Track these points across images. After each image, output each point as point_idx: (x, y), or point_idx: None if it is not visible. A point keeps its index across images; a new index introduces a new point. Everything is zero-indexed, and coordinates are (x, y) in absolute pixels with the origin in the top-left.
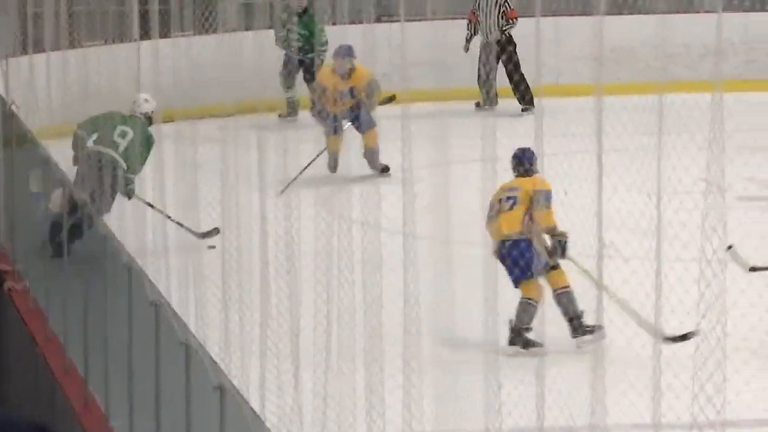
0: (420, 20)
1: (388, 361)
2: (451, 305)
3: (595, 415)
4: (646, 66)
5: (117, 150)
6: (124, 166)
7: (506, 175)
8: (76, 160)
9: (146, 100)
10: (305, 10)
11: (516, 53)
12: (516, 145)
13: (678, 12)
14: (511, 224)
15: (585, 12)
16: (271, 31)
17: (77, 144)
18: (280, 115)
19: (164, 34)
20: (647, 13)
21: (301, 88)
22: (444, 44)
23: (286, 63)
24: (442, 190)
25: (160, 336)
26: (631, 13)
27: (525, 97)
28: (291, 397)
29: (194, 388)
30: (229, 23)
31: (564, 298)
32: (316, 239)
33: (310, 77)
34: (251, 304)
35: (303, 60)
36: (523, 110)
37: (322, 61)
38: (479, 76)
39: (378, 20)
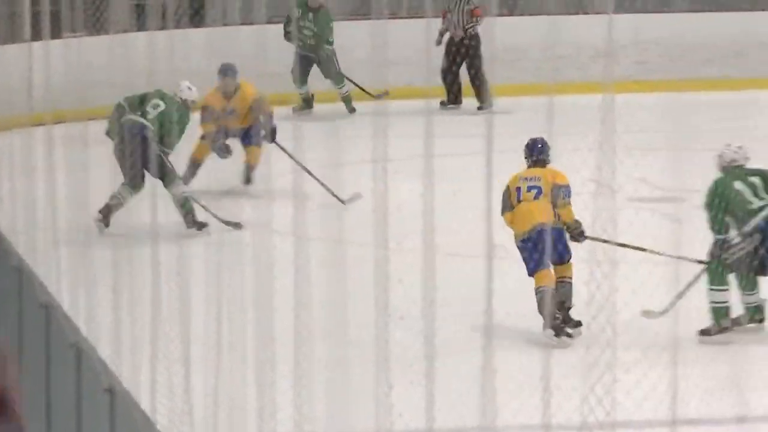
0: None
1: (279, 362)
2: (342, 306)
3: (485, 416)
4: (537, 67)
5: (146, 118)
6: (152, 127)
7: (398, 176)
8: (110, 132)
9: (189, 88)
10: (320, 6)
11: (480, 52)
12: (407, 146)
13: (568, 13)
14: (545, 214)
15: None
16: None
17: (114, 114)
18: (294, 110)
19: (56, 34)
20: (538, 14)
21: (319, 83)
22: (336, 45)
23: (299, 59)
24: (335, 191)
25: (50, 338)
26: (521, 15)
27: (482, 96)
28: (182, 399)
29: (85, 390)
30: (120, 24)
31: (566, 288)
32: (207, 239)
33: (326, 73)
34: (142, 306)
35: (310, 56)
36: (479, 108)
37: (328, 57)
38: (443, 73)
39: (270, 21)
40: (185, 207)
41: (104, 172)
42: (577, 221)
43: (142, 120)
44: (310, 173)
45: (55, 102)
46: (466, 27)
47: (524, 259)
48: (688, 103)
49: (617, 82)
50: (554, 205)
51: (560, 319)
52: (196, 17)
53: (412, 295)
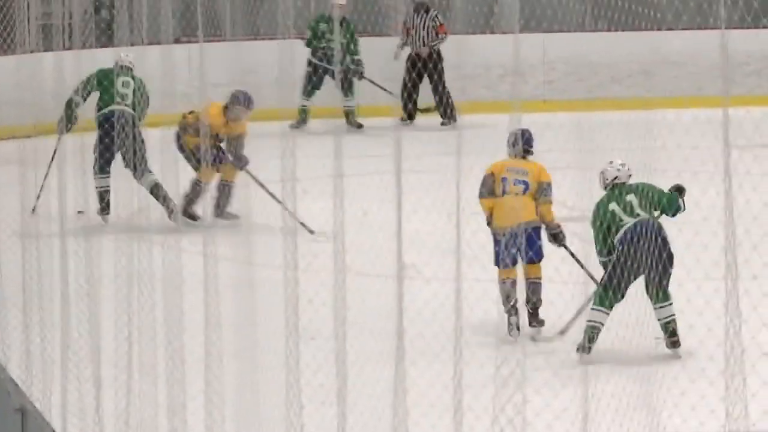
0: (219, 41)
1: (190, 382)
2: (252, 326)
3: None
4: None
5: (125, 102)
6: (134, 113)
7: (308, 196)
8: (62, 126)
9: (126, 55)
10: (343, 18)
11: (442, 68)
12: (314, 166)
13: (475, 33)
14: (529, 211)
15: (382, 33)
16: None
17: (70, 108)
18: (291, 126)
19: None
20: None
21: (330, 98)
22: (245, 65)
23: (314, 72)
24: (244, 211)
25: None
26: None
27: (447, 111)
28: (93, 420)
29: None
30: (28, 44)
31: (534, 287)
32: (117, 260)
33: (345, 85)
34: (52, 326)
35: (330, 69)
36: (442, 124)
37: (357, 72)
38: (403, 89)
39: (177, 41)
40: (159, 194)
41: (12, 190)
42: (558, 224)
43: (129, 109)
44: (279, 201)
45: None
46: (431, 44)
47: (497, 252)
48: (595, 123)
49: (525, 101)
50: (537, 202)
51: (518, 315)
52: (103, 37)
53: (322, 315)
